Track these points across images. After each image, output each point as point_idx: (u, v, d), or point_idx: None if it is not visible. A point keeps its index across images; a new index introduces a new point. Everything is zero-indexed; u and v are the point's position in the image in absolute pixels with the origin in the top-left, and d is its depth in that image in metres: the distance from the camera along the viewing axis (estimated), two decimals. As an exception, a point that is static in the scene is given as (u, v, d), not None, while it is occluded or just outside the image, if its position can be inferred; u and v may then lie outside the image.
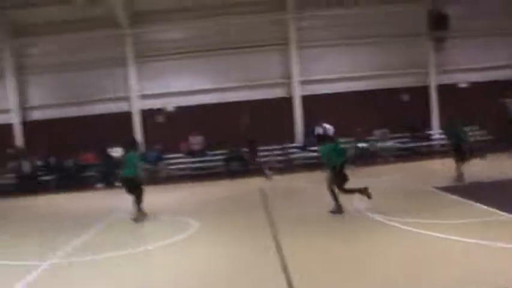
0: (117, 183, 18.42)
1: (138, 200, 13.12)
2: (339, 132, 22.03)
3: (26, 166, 23.19)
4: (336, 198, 11.76)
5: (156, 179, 22.22)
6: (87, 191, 21.51)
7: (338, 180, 11.76)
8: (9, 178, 23.38)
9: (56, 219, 15.02)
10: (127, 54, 23.80)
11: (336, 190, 11.77)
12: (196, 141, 23.60)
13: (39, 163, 23.44)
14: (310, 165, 21.18)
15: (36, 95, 24.52)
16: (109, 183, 21.52)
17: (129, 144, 14.61)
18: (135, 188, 13.17)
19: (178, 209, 14.78)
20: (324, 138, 12.43)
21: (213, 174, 22.58)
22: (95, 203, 18.03)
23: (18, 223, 14.93)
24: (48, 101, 24.26)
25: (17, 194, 22.17)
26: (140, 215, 13.06)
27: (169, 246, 10.05)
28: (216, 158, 23.22)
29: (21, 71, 24.36)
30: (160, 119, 24.04)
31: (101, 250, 10.01)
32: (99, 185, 22.15)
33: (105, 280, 8.14)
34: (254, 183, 16.90)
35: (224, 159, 22.86)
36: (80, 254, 9.90)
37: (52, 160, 23.39)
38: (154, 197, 17.88)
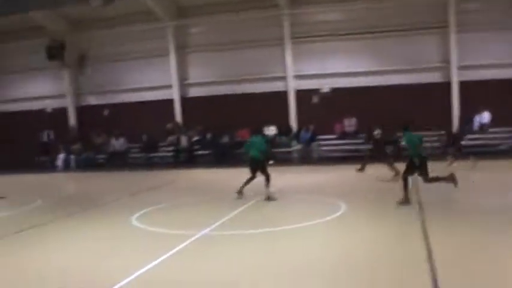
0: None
1: (267, 180, 13.18)
2: (497, 121, 21.64)
3: (184, 140, 24.26)
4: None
5: (308, 159, 22.50)
6: (240, 167, 21.96)
7: (405, 169, 11.87)
8: (167, 151, 24.63)
9: (211, 192, 15.49)
10: (284, 34, 24.13)
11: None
12: (350, 123, 23.62)
13: (195, 138, 24.42)
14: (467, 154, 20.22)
15: (195, 73, 25.70)
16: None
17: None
18: (261, 170, 13.33)
19: (328, 190, 14.66)
20: (406, 126, 12.21)
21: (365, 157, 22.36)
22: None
23: (176, 194, 15.63)
24: (207, 79, 25.31)
25: (174, 167, 23.29)
26: (271, 195, 13.13)
27: (317, 226, 9.97)
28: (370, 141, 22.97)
29: (182, 50, 25.61)
30: (315, 99, 24.21)
31: (250, 226, 10.21)
32: (252, 163, 22.55)
33: (250, 255, 8.23)
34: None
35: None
36: (230, 227, 10.17)
37: (208, 136, 24.30)
38: (304, 177, 18.16)
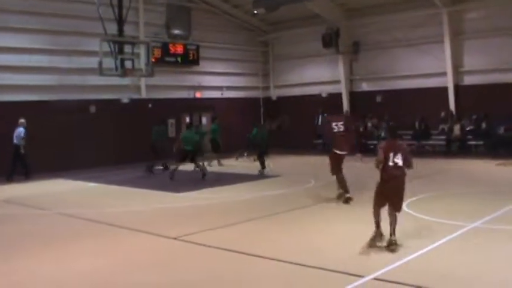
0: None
1: None
2: None
3: (457, 130, 25.05)
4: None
5: None
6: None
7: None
8: (439, 140, 25.71)
9: (482, 185, 15.81)
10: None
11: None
12: None
13: (469, 128, 25.00)
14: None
15: (470, 60, 25.91)
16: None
17: None
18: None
19: None
20: None
21: None
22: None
23: (446, 184, 16.35)
24: (482, 66, 25.27)
25: (445, 156, 24.23)
26: None
27: None
28: None
29: (457, 36, 26.07)
30: None
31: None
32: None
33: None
34: None
35: None
36: (504, 222, 10.32)
37: (483, 125, 24.69)
38: None
